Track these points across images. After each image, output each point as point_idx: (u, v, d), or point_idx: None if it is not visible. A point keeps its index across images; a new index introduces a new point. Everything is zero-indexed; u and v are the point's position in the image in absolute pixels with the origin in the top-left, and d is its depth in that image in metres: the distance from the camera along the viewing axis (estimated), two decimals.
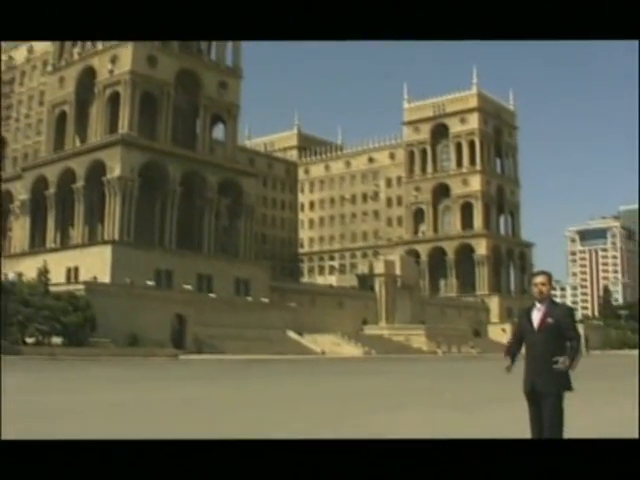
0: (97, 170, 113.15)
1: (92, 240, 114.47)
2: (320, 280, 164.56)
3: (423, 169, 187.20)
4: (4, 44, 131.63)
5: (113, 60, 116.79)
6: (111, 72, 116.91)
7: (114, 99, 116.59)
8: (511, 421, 15.09)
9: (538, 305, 9.42)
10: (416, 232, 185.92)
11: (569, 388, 9.28)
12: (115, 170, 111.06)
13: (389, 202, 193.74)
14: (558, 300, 10.26)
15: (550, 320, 9.22)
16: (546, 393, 9.15)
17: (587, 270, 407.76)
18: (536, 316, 9.38)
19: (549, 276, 9.55)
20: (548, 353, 9.22)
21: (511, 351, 9.88)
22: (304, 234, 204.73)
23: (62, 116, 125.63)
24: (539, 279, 9.45)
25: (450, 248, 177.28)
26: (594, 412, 18.22)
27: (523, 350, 9.74)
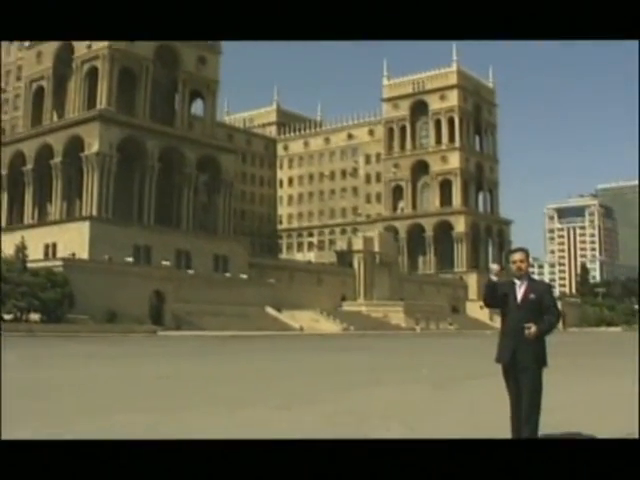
0: (75, 146, 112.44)
1: (70, 216, 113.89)
2: (299, 256, 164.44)
3: (402, 146, 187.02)
4: None
5: None
6: (89, 47, 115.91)
7: (92, 74, 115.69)
8: (489, 397, 15.23)
9: (517, 282, 9.46)
10: (395, 209, 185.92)
11: (544, 363, 9.34)
12: (93, 146, 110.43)
13: (368, 179, 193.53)
14: (536, 277, 10.30)
15: (532, 296, 9.25)
16: (526, 367, 9.20)
17: (565, 248, 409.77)
18: (518, 291, 9.41)
19: (527, 253, 9.56)
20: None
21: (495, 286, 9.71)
22: (283, 210, 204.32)
23: (40, 91, 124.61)
24: (517, 256, 9.46)
25: (429, 225, 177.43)
26: (571, 388, 18.38)
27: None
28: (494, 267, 9.68)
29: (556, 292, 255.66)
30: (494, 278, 9.58)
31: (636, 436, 7.35)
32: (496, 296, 9.69)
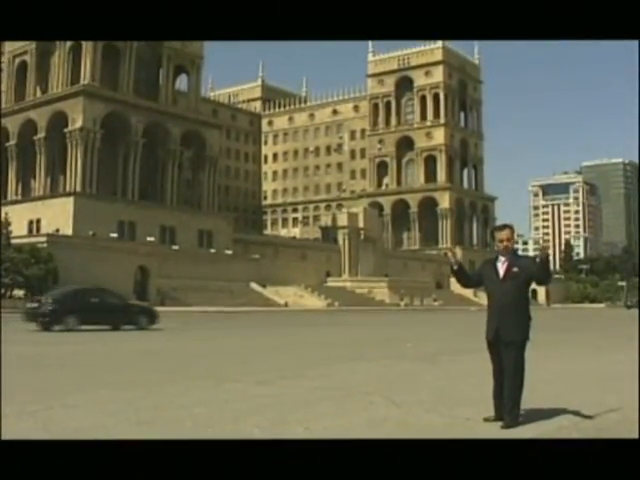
0: (59, 121, 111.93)
1: (54, 192, 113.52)
2: (283, 232, 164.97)
3: (387, 122, 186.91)
4: None
5: None
6: None
7: (76, 49, 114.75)
8: (473, 371, 15.29)
9: (502, 258, 9.48)
10: (379, 185, 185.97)
11: (528, 337, 9.39)
12: (77, 121, 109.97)
13: (353, 154, 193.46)
14: (521, 254, 10.32)
15: (515, 269, 9.27)
16: (510, 341, 9.24)
17: (549, 224, 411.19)
18: (501, 266, 9.44)
19: (512, 230, 9.56)
20: (513, 302, 9.30)
21: (463, 269, 9.99)
22: (268, 186, 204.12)
23: (23, 66, 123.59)
24: (504, 234, 9.46)
25: (413, 201, 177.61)
26: (554, 363, 18.46)
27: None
28: (451, 258, 9.92)
29: None
30: (455, 266, 9.81)
31: (636, 436, 7.37)
32: (466, 277, 10.04)
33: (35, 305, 35.73)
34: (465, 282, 10.08)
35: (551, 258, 10.05)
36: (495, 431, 8.81)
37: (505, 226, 9.65)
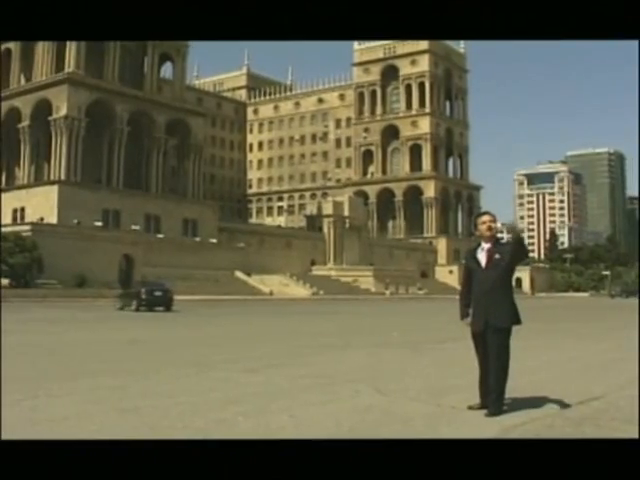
0: (43, 109, 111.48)
1: (38, 180, 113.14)
2: (268, 221, 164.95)
3: (372, 110, 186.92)
4: None
5: None
6: None
7: None
8: (458, 360, 15.33)
9: (484, 245, 9.49)
10: (365, 173, 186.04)
11: (519, 321, 9.41)
12: (61, 109, 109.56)
13: (338, 143, 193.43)
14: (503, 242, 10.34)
15: (497, 256, 9.28)
16: (497, 328, 9.25)
17: (534, 214, 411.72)
18: (483, 254, 9.45)
19: (493, 216, 9.62)
20: (498, 288, 9.30)
21: (465, 300, 9.82)
22: (253, 175, 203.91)
23: (7, 54, 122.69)
24: (487, 217, 9.52)
25: (399, 190, 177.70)
26: (539, 352, 18.54)
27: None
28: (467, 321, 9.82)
29: None
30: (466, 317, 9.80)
31: (635, 436, 7.40)
32: (468, 294, 9.82)
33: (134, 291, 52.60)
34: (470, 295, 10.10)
35: (535, 247, 10.14)
36: (480, 419, 8.84)
37: (486, 212, 9.72)
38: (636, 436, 7.57)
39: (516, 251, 9.44)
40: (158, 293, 50.23)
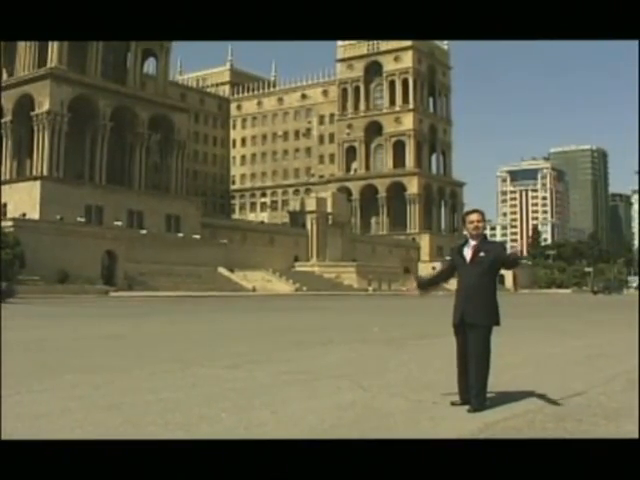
0: (25, 105, 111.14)
1: (21, 176, 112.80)
2: (252, 217, 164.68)
3: (356, 107, 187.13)
4: None
5: None
6: None
7: None
8: (440, 355, 15.36)
9: (471, 242, 9.54)
10: (348, 170, 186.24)
11: (497, 322, 9.44)
12: (44, 104, 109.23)
13: (321, 139, 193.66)
14: (490, 240, 10.38)
15: (482, 254, 9.32)
16: (475, 325, 9.28)
17: (517, 210, 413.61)
18: (468, 251, 9.49)
19: (483, 214, 9.67)
20: (480, 285, 9.33)
21: (431, 277, 10.23)
22: (236, 170, 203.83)
23: None
24: (475, 216, 9.54)
25: (382, 186, 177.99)
26: (520, 348, 18.59)
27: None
28: (412, 292, 10.92)
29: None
30: (420, 291, 10.77)
31: (635, 436, 7.42)
32: (438, 279, 10.57)
33: None
34: (440, 281, 10.34)
35: (518, 245, 10.30)
36: (462, 415, 8.86)
37: (475, 210, 9.76)
38: (619, 433, 7.60)
39: (509, 262, 9.71)
40: None
